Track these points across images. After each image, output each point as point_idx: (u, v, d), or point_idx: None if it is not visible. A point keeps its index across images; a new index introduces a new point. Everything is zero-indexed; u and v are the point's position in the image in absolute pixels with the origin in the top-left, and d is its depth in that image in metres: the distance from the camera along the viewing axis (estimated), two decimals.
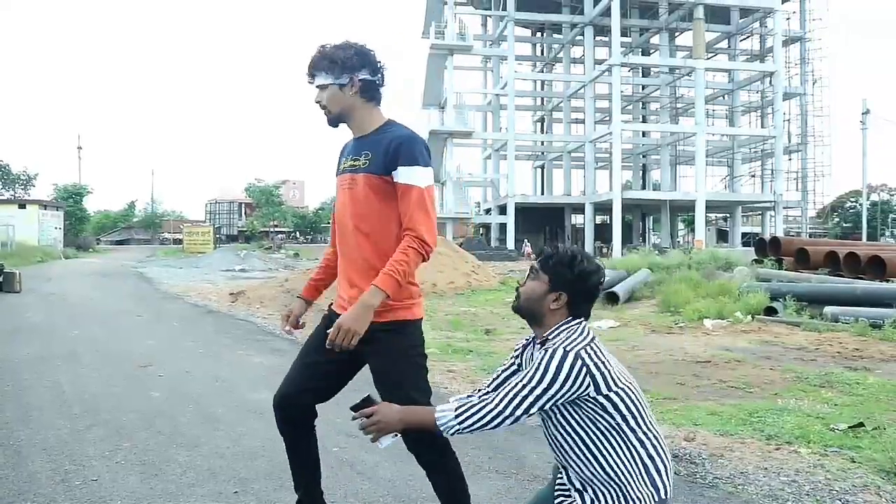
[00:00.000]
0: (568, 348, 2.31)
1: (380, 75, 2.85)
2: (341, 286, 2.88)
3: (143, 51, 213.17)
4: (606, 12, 45.29)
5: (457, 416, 2.34)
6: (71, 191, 56.87)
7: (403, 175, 2.68)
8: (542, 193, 58.89)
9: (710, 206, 47.66)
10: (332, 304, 2.96)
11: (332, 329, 2.59)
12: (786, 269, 15.16)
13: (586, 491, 2.38)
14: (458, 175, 50.90)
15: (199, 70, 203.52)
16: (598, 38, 51.22)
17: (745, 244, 42.01)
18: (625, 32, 49.05)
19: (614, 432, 2.32)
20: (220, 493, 3.77)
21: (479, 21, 58.46)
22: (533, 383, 2.29)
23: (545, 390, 2.27)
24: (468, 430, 2.34)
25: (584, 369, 2.27)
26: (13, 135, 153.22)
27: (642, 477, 2.30)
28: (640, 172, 60.00)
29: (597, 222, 50.05)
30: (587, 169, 50.22)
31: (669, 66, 48.93)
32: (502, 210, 49.92)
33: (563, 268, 2.39)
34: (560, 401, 2.30)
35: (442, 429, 2.35)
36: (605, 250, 42.71)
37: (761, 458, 4.36)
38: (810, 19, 48.45)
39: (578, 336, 2.38)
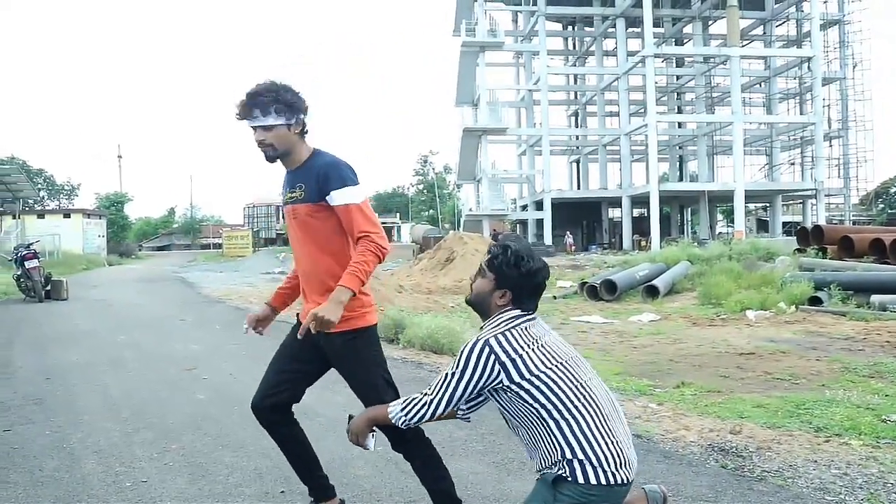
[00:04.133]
0: (480, 337, 2.50)
1: (307, 112, 3.10)
2: (304, 298, 3.23)
3: (178, 59, 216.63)
4: (638, 3, 44.74)
5: (402, 409, 2.65)
6: (113, 199, 58.01)
7: (338, 198, 2.96)
8: (578, 188, 58.47)
9: (750, 196, 46.97)
10: (298, 313, 3.31)
11: (305, 319, 2.85)
12: (830, 258, 14.90)
13: (539, 470, 2.53)
14: (494, 172, 50.77)
15: (234, 75, 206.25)
16: (630, 30, 50.73)
17: (786, 234, 41.34)
18: (657, 23, 48.55)
19: (537, 421, 2.45)
20: (267, 493, 3.81)
21: (510, 17, 58.23)
22: (451, 373, 2.51)
23: (460, 379, 2.48)
24: (413, 420, 2.63)
25: (493, 357, 2.44)
26: (56, 147, 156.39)
27: (565, 467, 2.40)
28: (677, 164, 59.29)
29: (634, 215, 49.49)
30: (623, 162, 49.78)
31: (704, 56, 48.24)
32: (538, 206, 49.67)
33: (510, 268, 2.57)
34: (477, 388, 2.49)
35: (393, 421, 2.66)
36: (643, 243, 42.30)
37: (810, 450, 4.29)
38: (849, 1, 47.46)
39: (498, 325, 2.55)
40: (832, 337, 8.98)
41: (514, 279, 2.57)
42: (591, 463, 2.37)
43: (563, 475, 2.38)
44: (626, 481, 2.41)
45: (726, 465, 4.10)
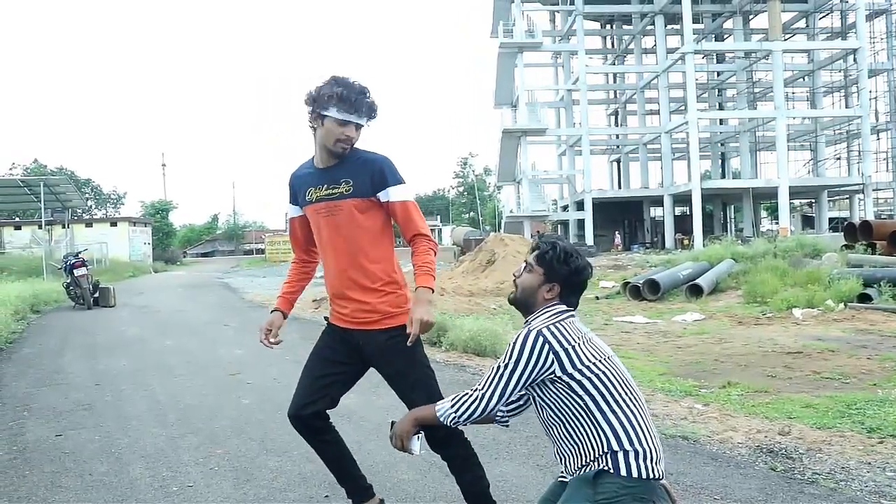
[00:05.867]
0: (531, 328, 2.50)
1: None
2: (338, 300, 3.17)
3: (219, 68, 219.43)
4: (677, 0, 44.31)
5: (452, 406, 2.64)
6: (157, 207, 58.99)
7: (398, 194, 3.02)
8: (619, 187, 57.90)
9: (794, 192, 46.10)
10: (326, 317, 3.30)
11: (413, 327, 2.86)
12: (879, 254, 14.54)
13: (571, 473, 2.51)
14: (534, 173, 50.63)
15: (273, 80, 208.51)
16: (669, 27, 50.16)
17: (832, 230, 40.51)
18: (696, 19, 47.92)
19: (583, 413, 2.44)
20: (311, 497, 3.83)
21: (548, 17, 57.92)
22: (504, 364, 2.50)
23: (514, 370, 2.47)
24: (463, 416, 2.61)
25: (546, 346, 2.45)
26: (103, 157, 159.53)
27: (608, 460, 2.38)
28: (720, 161, 58.48)
29: (676, 214, 48.93)
30: (664, 160, 49.23)
31: (745, 51, 47.43)
32: (579, 206, 49.33)
33: (560, 263, 2.60)
34: (530, 380, 2.48)
35: (442, 419, 2.66)
36: (685, 242, 41.78)
37: (863, 452, 4.19)
38: None
39: (549, 316, 2.57)
40: (883, 335, 8.78)
41: (564, 274, 2.60)
42: (637, 455, 2.38)
43: (605, 468, 2.38)
44: (662, 476, 2.44)
45: (776, 467, 4.02)
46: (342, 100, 2.89)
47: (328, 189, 3.03)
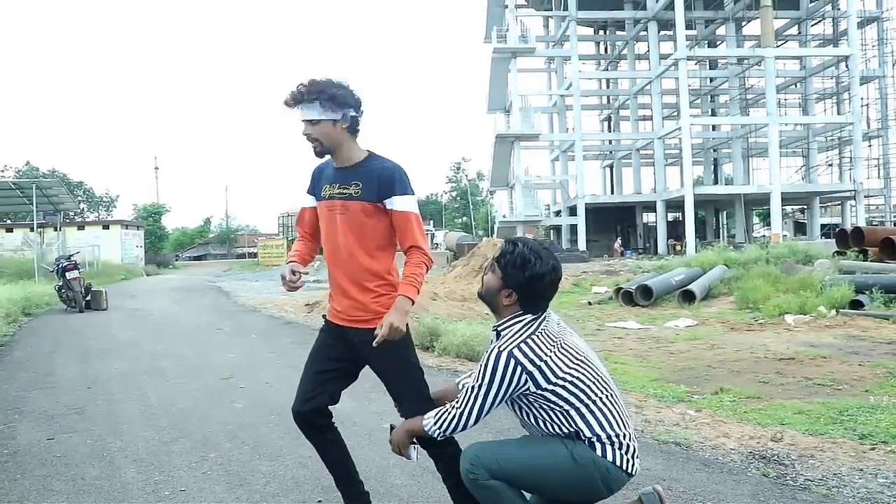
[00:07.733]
0: (502, 349, 2.48)
1: (361, 111, 3.12)
2: (335, 297, 3.22)
3: (212, 71, 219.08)
4: (670, 6, 44.42)
5: (436, 423, 2.67)
6: (150, 210, 58.92)
7: (401, 204, 3.04)
8: (612, 193, 58.06)
9: (786, 199, 46.25)
10: (325, 315, 3.33)
11: (381, 331, 2.91)
12: (871, 261, 14.62)
13: None
14: (527, 178, 50.68)
15: (268, 83, 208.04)
16: (662, 33, 50.39)
17: (824, 236, 40.66)
18: (689, 25, 48.13)
19: (562, 417, 2.48)
20: (304, 501, 3.82)
21: (541, 22, 58.10)
22: (478, 385, 2.51)
23: (487, 392, 2.48)
24: (447, 432, 2.65)
25: (519, 368, 2.44)
26: (95, 160, 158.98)
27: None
28: (712, 167, 58.65)
29: (669, 219, 49.02)
30: (657, 166, 49.36)
31: (738, 57, 47.65)
32: (572, 211, 49.46)
33: (515, 269, 2.55)
34: (505, 397, 2.50)
35: (429, 433, 2.69)
36: (678, 248, 41.88)
37: (855, 458, 4.20)
38: None
39: (518, 332, 2.54)
40: (875, 341, 8.80)
41: (520, 281, 2.55)
42: (613, 444, 2.44)
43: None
44: (634, 472, 2.49)
45: (768, 474, 4.02)
46: (288, 96, 3.02)
47: (340, 189, 3.10)
